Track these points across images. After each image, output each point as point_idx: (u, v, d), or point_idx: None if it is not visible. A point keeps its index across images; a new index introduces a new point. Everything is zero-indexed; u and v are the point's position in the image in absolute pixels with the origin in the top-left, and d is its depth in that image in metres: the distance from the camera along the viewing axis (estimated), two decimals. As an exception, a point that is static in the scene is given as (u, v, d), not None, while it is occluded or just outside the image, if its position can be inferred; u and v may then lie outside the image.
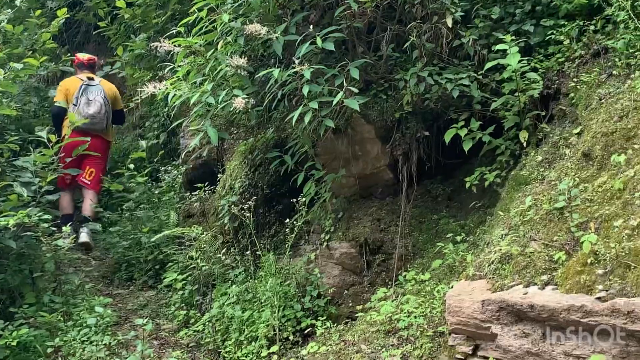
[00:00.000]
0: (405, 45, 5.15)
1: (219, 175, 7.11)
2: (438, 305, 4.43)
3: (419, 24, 5.05)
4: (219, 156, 7.43)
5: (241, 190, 6.47)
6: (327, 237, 5.57)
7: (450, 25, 4.97)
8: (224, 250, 6.14)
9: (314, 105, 4.68)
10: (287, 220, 5.58)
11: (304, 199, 5.48)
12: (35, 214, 5.56)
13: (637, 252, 3.24)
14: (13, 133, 6.53)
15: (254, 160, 6.53)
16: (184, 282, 6.13)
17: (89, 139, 7.23)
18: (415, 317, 4.43)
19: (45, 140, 6.18)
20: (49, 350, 4.99)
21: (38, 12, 8.93)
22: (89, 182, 7.86)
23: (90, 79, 7.97)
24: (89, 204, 7.76)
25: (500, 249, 3.93)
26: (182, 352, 5.33)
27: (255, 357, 4.94)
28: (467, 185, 4.91)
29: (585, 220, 3.67)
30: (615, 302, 3.10)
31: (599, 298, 3.20)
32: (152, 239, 6.74)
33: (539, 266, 3.68)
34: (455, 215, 5.38)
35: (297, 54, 4.77)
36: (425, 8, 5.05)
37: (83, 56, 8.37)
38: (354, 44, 5.29)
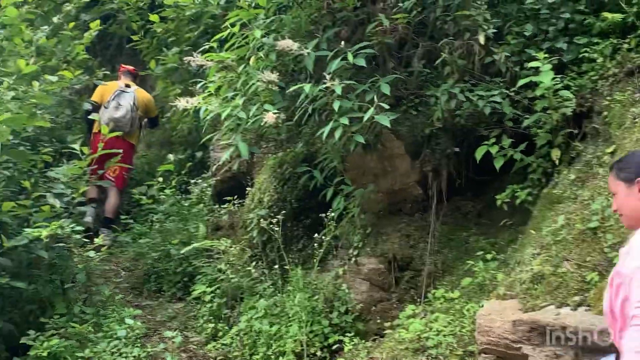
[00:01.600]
0: (437, 62, 5.15)
1: (247, 189, 7.13)
2: (468, 324, 4.39)
3: (451, 40, 5.05)
4: (249, 169, 7.45)
5: (270, 203, 6.49)
6: (355, 253, 5.55)
7: (482, 42, 4.95)
8: (252, 264, 6.15)
9: (345, 120, 4.68)
10: (316, 234, 5.57)
11: (332, 214, 5.47)
12: (67, 225, 5.64)
13: (672, 275, 3.19)
14: (46, 144, 6.60)
15: (283, 174, 6.55)
16: (212, 294, 6.14)
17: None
18: (444, 335, 4.40)
19: (78, 152, 6.27)
20: (80, 361, 5.05)
21: (72, 24, 9.04)
22: (113, 179, 8.09)
23: (127, 85, 8.40)
24: (111, 204, 8.23)
25: (532, 269, 3.90)
26: (210, 366, 5.35)
27: (282, 373, 4.95)
28: (498, 202, 4.86)
29: (618, 240, 3.62)
30: (650, 325, 3.05)
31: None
32: (182, 251, 6.78)
33: (571, 287, 3.64)
34: (486, 233, 5.33)
35: (328, 70, 4.78)
36: (458, 25, 5.05)
37: (128, 66, 8.96)
38: (384, 59, 5.29)
